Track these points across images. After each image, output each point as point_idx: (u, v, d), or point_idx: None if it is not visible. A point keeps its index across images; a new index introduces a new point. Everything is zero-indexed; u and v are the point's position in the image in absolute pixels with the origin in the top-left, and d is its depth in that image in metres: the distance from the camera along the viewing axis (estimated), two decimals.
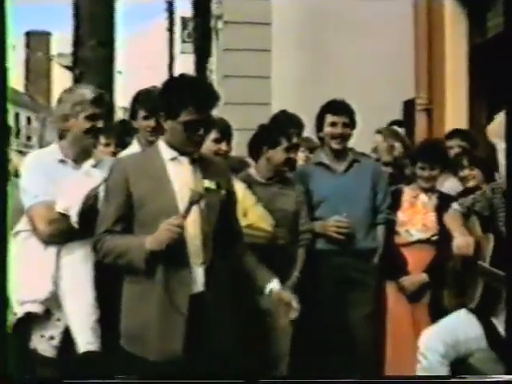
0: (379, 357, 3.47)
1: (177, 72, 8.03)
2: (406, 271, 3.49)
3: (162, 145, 2.55)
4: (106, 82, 7.13)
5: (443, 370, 2.88)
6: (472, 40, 5.61)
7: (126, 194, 2.47)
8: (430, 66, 5.87)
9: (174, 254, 2.40)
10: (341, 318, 3.48)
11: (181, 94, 2.46)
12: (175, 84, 2.56)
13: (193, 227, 2.44)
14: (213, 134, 3.23)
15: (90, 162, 2.78)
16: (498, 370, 2.83)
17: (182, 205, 2.42)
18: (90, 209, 2.62)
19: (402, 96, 6.39)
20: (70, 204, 2.60)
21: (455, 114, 5.54)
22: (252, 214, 3.25)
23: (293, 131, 3.59)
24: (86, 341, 2.59)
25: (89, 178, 2.69)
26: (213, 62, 7.55)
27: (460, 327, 2.94)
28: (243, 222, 3.11)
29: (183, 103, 2.45)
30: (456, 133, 4.26)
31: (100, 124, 2.79)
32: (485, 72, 5.34)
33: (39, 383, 2.48)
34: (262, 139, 3.46)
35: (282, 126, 3.60)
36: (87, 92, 2.79)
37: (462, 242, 2.98)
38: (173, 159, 2.52)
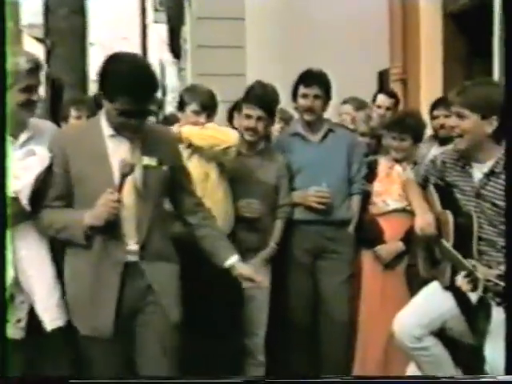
0: (353, 322, 3.52)
1: (150, 42, 7.93)
2: (382, 240, 3.52)
3: (103, 120, 2.48)
4: (78, 54, 7.04)
5: (424, 344, 2.90)
6: (446, 9, 5.60)
7: (64, 169, 2.43)
8: (404, 35, 5.86)
9: (110, 229, 2.39)
10: (316, 286, 3.52)
11: (118, 80, 2.35)
12: (114, 67, 2.40)
13: (128, 206, 2.43)
14: (192, 106, 3.20)
15: (25, 134, 2.60)
16: (470, 335, 2.89)
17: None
18: (40, 189, 2.52)
19: (378, 67, 6.39)
20: (20, 187, 2.48)
21: (430, 83, 5.55)
22: (212, 130, 3.20)
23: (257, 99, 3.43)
24: (51, 318, 2.57)
25: (36, 158, 2.53)
26: (186, 31, 7.45)
27: (433, 305, 2.93)
28: (204, 136, 3.12)
29: (119, 91, 2.34)
30: (440, 101, 4.21)
31: (35, 97, 2.59)
32: (459, 40, 5.34)
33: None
34: (232, 107, 3.43)
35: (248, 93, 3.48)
36: (22, 61, 2.52)
37: (422, 223, 2.95)
38: (112, 136, 2.46)
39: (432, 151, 3.79)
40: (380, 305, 3.44)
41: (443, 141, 3.95)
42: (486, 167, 2.80)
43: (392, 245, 3.50)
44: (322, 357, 3.56)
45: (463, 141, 2.81)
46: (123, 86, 2.34)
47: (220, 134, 3.18)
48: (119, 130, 2.45)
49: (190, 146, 3.14)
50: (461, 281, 2.49)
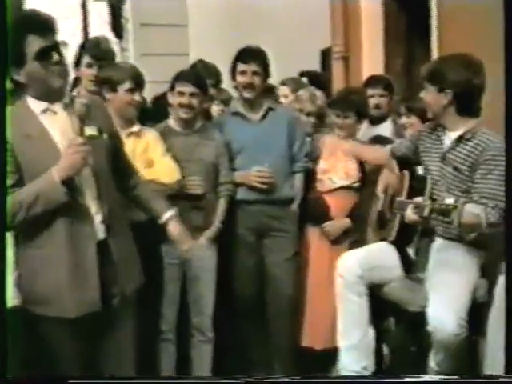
0: (300, 297, 3.59)
1: (91, 22, 7.75)
2: (328, 217, 3.58)
3: (29, 100, 2.38)
4: None
5: (360, 289, 3.03)
6: None
7: (12, 157, 2.31)
8: (345, 13, 5.88)
9: (71, 209, 2.33)
10: (261, 264, 3.57)
11: (21, 26, 2.29)
12: (16, 19, 2.33)
13: (85, 179, 2.37)
14: (126, 84, 3.17)
15: None
16: (413, 299, 3.00)
17: None
18: None
19: (321, 45, 6.41)
20: None
21: (372, 61, 5.60)
22: (157, 166, 3.23)
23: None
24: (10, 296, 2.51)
25: None
26: (127, 10, 7.32)
27: (379, 255, 3.10)
28: (146, 176, 3.07)
29: (25, 34, 2.26)
30: (375, 80, 4.23)
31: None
32: (399, 18, 5.40)
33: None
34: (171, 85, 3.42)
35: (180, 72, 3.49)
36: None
37: (375, 153, 3.32)
38: (45, 111, 2.37)
39: (362, 130, 3.84)
40: (327, 279, 3.49)
41: (376, 120, 3.99)
42: (456, 133, 2.95)
43: (339, 221, 3.56)
44: (271, 331, 3.62)
45: (428, 112, 3.04)
46: (27, 25, 2.28)
47: (160, 177, 3.17)
48: (47, 88, 2.33)
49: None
50: (409, 213, 2.74)
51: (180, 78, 3.39)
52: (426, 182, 2.98)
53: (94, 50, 3.25)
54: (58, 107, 2.38)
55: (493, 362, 2.47)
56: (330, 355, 3.56)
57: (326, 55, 6.44)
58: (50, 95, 2.36)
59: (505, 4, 2.09)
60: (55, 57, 2.30)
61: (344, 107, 3.58)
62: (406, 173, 3.07)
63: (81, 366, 2.41)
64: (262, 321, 3.61)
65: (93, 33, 6.70)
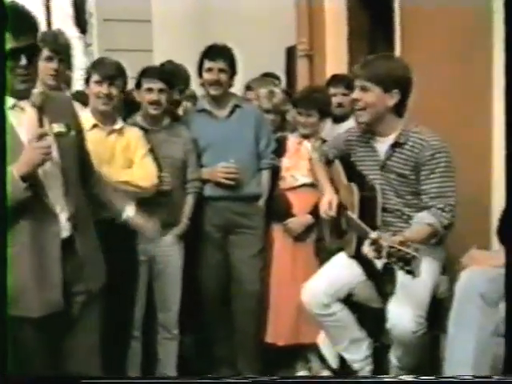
0: (264, 293, 3.61)
1: (54, 17, 7.67)
2: (291, 214, 3.60)
3: None
4: None
5: (332, 309, 3.00)
6: None
7: None
8: (310, 11, 5.90)
9: (35, 207, 2.30)
10: (227, 260, 3.58)
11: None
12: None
13: (51, 177, 2.34)
14: (95, 77, 3.12)
15: None
16: (375, 299, 3.03)
17: None
18: None
19: (286, 43, 6.42)
20: None
21: (336, 59, 5.63)
22: (136, 168, 3.21)
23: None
24: None
25: None
26: (91, 4, 7.24)
27: (340, 273, 3.04)
28: (121, 177, 3.10)
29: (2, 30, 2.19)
30: (338, 79, 4.23)
31: None
32: (363, 16, 5.44)
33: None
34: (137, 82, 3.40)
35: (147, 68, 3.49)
36: None
37: (324, 205, 3.05)
38: (12, 107, 2.32)
39: (326, 129, 3.86)
40: (290, 276, 3.54)
41: (338, 119, 4.01)
42: (390, 139, 2.90)
43: (301, 218, 3.58)
44: (236, 327, 3.64)
45: (366, 114, 2.89)
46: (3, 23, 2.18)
47: (136, 180, 3.16)
48: (13, 88, 2.28)
49: None
50: (366, 249, 2.55)
51: (147, 74, 3.38)
52: (375, 191, 2.92)
53: (53, 43, 3.20)
54: (25, 104, 2.33)
55: (451, 357, 2.51)
56: (293, 351, 3.62)
57: (291, 53, 6.45)
58: (17, 93, 2.32)
59: (505, 4, 2.11)
60: (23, 60, 2.24)
61: (307, 105, 3.59)
62: (354, 185, 2.98)
63: (48, 366, 2.40)
64: (228, 317, 3.63)
65: (55, 27, 6.61)
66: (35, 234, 2.32)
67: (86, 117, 2.98)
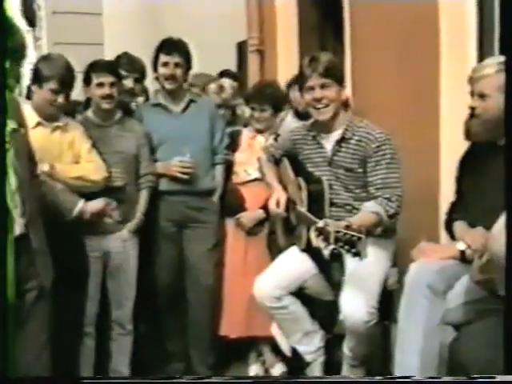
0: (218, 286, 3.63)
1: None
2: (243, 208, 3.63)
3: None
4: None
5: (283, 303, 3.03)
6: None
7: None
8: (260, 6, 5.91)
9: None
10: (182, 255, 3.60)
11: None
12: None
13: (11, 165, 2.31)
14: (51, 84, 3.05)
15: None
16: (329, 292, 3.08)
17: None
18: None
19: (237, 38, 6.42)
20: None
21: (287, 54, 5.65)
22: (85, 162, 3.20)
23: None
24: None
25: None
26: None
27: (291, 267, 3.07)
28: (73, 173, 3.08)
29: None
30: (226, 73, 4.32)
31: None
32: (313, 11, 5.47)
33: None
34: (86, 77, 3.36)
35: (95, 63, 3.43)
36: None
37: (273, 204, 3.08)
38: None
39: (287, 123, 3.85)
40: (243, 270, 3.57)
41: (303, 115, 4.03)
42: (336, 135, 2.94)
43: (253, 212, 3.61)
44: (189, 321, 3.66)
45: (329, 110, 2.91)
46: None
47: (88, 174, 3.14)
48: None
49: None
50: (314, 237, 2.60)
51: (97, 68, 3.34)
52: (322, 185, 2.96)
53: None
54: None
55: (401, 346, 2.57)
56: (245, 344, 3.65)
57: (242, 47, 6.45)
58: None
59: (502, 3, 2.16)
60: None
61: (260, 101, 3.61)
62: (302, 180, 3.02)
63: None
64: (181, 311, 3.64)
65: None
66: None
67: (28, 114, 2.93)
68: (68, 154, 3.15)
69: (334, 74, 2.89)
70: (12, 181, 2.34)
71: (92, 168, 3.19)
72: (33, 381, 2.27)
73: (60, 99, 3.10)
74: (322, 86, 2.89)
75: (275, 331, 3.31)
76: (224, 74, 4.46)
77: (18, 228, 2.35)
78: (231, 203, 3.65)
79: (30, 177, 2.48)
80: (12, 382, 2.15)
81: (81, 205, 2.64)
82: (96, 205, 2.64)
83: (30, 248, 2.39)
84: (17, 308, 2.34)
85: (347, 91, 2.91)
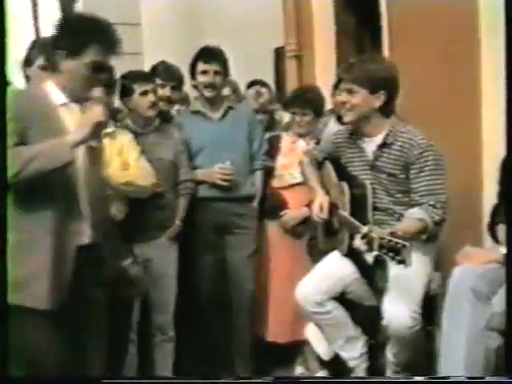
0: (262, 292, 3.64)
1: (42, 19, 7.64)
2: (286, 209, 3.64)
3: (52, 87, 2.38)
4: None
5: (326, 308, 3.02)
6: None
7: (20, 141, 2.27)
8: (297, 11, 5.92)
9: (65, 203, 2.34)
10: (223, 262, 3.61)
11: (85, 32, 2.34)
12: (78, 22, 2.42)
13: (84, 177, 2.39)
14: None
15: None
16: (370, 297, 3.06)
17: None
18: None
19: (274, 44, 6.44)
20: None
21: (324, 59, 5.65)
22: (134, 169, 3.24)
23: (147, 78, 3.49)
24: None
25: None
26: (80, 8, 7.22)
27: (333, 272, 3.05)
28: (122, 178, 3.14)
29: (88, 42, 2.32)
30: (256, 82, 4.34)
31: None
32: (350, 15, 5.46)
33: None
34: (123, 88, 3.40)
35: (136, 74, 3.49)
36: None
37: (316, 209, 3.07)
38: (63, 105, 2.38)
39: (330, 127, 3.88)
40: (287, 273, 3.55)
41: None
42: (377, 140, 2.92)
43: (297, 210, 3.60)
44: (234, 328, 3.67)
45: (351, 114, 2.92)
46: (93, 35, 2.33)
47: (136, 180, 3.21)
48: (80, 91, 2.38)
49: None
50: (358, 242, 2.59)
51: (139, 78, 3.39)
52: (366, 189, 2.94)
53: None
54: (75, 107, 2.41)
55: (446, 351, 2.55)
56: (294, 349, 3.64)
57: (279, 53, 6.46)
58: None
59: (505, 4, 2.14)
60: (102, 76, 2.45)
61: (301, 105, 3.63)
62: (345, 184, 3.01)
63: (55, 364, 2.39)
64: (225, 318, 3.65)
65: (44, 32, 6.59)
66: (57, 226, 2.34)
67: None
68: (116, 161, 3.19)
69: (366, 82, 2.87)
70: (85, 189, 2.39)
71: (140, 174, 3.23)
72: (33, 380, 2.29)
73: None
74: (349, 91, 2.90)
75: (310, 335, 3.30)
76: (254, 83, 4.48)
77: (85, 237, 2.41)
78: (274, 206, 3.66)
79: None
80: (12, 381, 2.17)
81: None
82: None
83: (102, 260, 2.45)
84: (76, 311, 2.39)
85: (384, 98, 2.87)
